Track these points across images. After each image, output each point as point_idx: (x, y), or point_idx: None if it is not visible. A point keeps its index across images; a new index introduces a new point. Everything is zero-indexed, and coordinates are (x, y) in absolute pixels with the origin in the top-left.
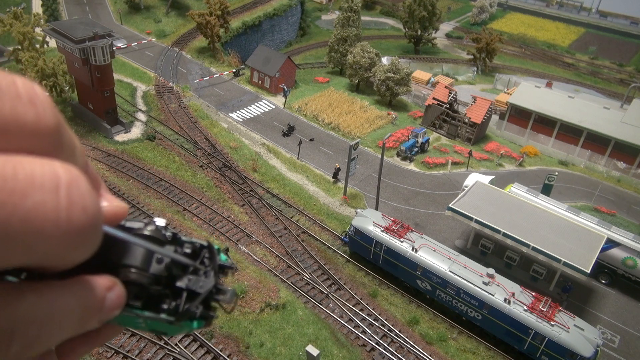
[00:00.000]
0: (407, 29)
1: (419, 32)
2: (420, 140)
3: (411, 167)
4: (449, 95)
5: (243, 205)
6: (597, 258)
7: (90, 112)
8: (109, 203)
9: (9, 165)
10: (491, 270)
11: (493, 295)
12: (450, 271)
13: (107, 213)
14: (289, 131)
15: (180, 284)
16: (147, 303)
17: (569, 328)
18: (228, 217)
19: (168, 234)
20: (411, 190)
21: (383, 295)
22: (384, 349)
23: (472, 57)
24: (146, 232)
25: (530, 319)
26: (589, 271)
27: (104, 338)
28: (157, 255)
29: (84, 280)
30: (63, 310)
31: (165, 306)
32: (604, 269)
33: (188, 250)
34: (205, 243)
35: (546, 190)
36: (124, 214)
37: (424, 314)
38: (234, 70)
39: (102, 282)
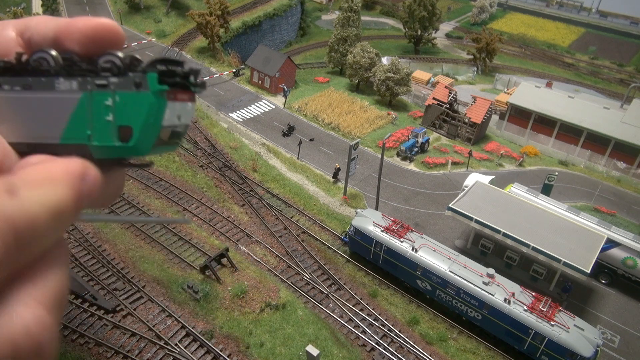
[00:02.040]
0: (407, 29)
1: (419, 32)
2: (420, 140)
3: (411, 167)
4: (449, 95)
5: (243, 205)
6: (597, 258)
7: None
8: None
9: None
10: (491, 270)
11: (493, 295)
12: (450, 271)
13: None
14: (289, 131)
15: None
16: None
17: (569, 328)
18: (228, 217)
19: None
20: (411, 190)
21: (383, 295)
22: (384, 349)
23: (472, 57)
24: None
25: (530, 319)
26: (589, 271)
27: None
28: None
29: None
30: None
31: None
32: (604, 269)
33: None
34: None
35: (546, 190)
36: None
37: (424, 314)
38: (234, 70)
39: (72, 167)
